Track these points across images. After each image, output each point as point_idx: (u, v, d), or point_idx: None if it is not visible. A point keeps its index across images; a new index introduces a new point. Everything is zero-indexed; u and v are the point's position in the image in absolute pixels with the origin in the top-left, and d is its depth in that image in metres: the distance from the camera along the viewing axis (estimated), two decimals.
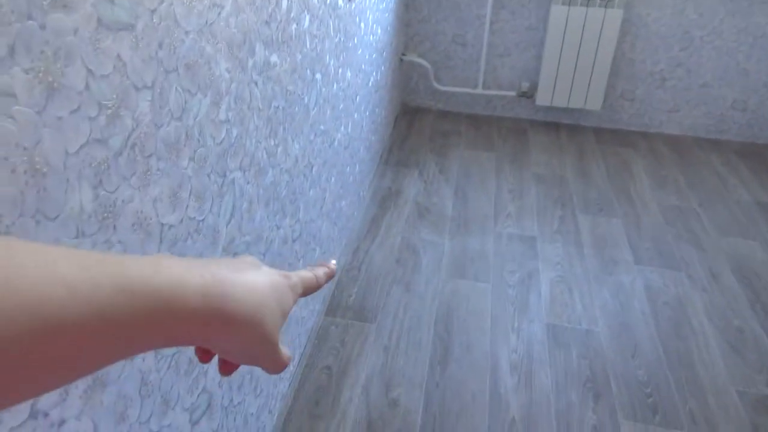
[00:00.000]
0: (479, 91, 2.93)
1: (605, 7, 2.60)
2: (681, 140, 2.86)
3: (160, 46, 0.73)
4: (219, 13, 0.89)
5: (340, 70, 1.67)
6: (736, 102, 2.82)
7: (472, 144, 2.72)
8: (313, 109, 1.44)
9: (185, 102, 0.80)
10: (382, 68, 2.35)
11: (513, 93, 2.91)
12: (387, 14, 2.32)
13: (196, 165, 0.85)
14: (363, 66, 1.98)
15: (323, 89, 1.51)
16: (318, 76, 1.45)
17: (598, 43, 2.67)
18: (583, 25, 2.64)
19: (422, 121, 2.90)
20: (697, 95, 2.83)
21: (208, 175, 0.90)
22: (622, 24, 2.69)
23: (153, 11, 0.71)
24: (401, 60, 2.84)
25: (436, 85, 2.95)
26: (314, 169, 1.49)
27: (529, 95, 2.89)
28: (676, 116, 2.89)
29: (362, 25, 1.91)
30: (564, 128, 2.92)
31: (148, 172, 0.72)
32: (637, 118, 2.92)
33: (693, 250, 2.10)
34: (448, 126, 2.88)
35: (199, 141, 0.86)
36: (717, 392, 1.56)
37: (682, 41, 2.71)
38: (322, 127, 1.52)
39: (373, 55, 2.14)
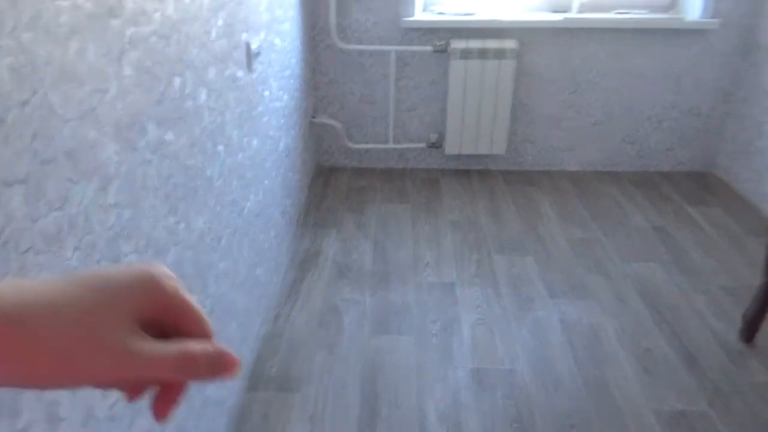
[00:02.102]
0: (391, 145, 3.04)
1: (499, 59, 2.79)
2: (581, 175, 3.06)
3: (35, 137, 0.73)
4: (103, 98, 0.90)
5: (245, 139, 1.70)
6: (626, 136, 3.06)
7: (388, 197, 2.80)
8: (218, 180, 1.44)
9: (67, 191, 0.80)
10: (292, 132, 2.40)
11: (423, 145, 3.03)
12: (293, 80, 2.39)
13: (82, 254, 0.84)
14: (270, 132, 2.01)
15: (227, 160, 1.53)
16: (220, 147, 1.47)
17: (497, 92, 2.85)
18: (481, 77, 2.82)
19: (338, 180, 2.96)
20: (590, 133, 3.05)
21: (98, 262, 0.88)
22: (516, 73, 2.89)
23: (24, 103, 0.71)
24: (312, 122, 2.91)
25: (348, 143, 3.03)
26: (223, 241, 1.48)
27: (438, 146, 3.02)
28: (574, 154, 3.10)
29: (266, 93, 1.95)
30: (474, 174, 3.05)
31: (24, 269, 0.71)
32: (540, 158, 3.10)
33: (601, 278, 2.22)
34: (363, 182, 2.95)
35: (84, 228, 0.84)
36: (634, 414, 1.63)
37: (571, 85, 2.93)
38: (229, 197, 1.53)
39: (282, 120, 2.18)
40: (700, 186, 2.97)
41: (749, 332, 1.89)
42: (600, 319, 2.00)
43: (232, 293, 1.56)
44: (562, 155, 3.10)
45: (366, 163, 3.12)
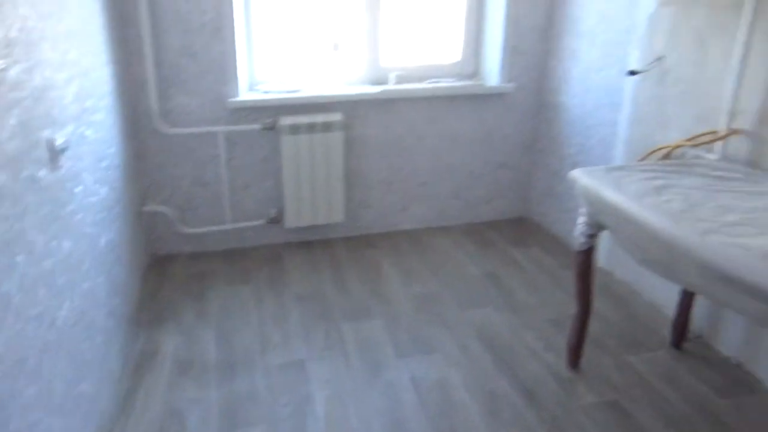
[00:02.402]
0: (228, 226, 2.98)
1: (327, 132, 2.90)
2: (416, 233, 3.24)
3: None
4: None
5: (53, 243, 1.57)
6: (451, 192, 3.31)
7: (229, 280, 2.72)
8: (17, 295, 1.31)
9: None
10: (117, 225, 2.26)
11: (262, 221, 3.02)
12: (112, 171, 2.28)
13: None
14: (87, 230, 1.88)
15: (30, 270, 1.39)
16: (20, 258, 1.34)
17: (329, 163, 2.95)
18: (312, 150, 2.90)
19: (174, 268, 2.82)
20: (420, 192, 3.26)
21: None
22: (346, 143, 3.02)
23: None
24: (142, 211, 2.77)
25: (183, 229, 2.92)
26: (30, 362, 1.33)
27: (278, 220, 3.03)
28: (408, 213, 3.28)
29: (78, 188, 1.83)
30: (316, 244, 3.09)
31: None
32: (377, 221, 3.24)
33: (443, 330, 2.33)
34: (202, 267, 2.84)
35: None
36: None
37: (397, 150, 3.13)
38: (33, 311, 1.39)
39: (101, 215, 2.05)
40: (519, 230, 3.29)
41: (573, 359, 2.09)
42: (446, 370, 2.08)
43: (47, 420, 1.39)
44: (397, 216, 3.27)
45: (204, 247, 3.02)
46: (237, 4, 2.72)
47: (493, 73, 3.18)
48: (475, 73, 3.31)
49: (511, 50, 3.10)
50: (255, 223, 3.02)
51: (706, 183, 1.72)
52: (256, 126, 2.88)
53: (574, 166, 2.98)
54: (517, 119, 3.28)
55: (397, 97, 3.02)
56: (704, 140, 2.05)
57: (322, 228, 3.16)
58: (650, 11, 2.36)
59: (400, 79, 3.13)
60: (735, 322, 2.09)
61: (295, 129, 2.86)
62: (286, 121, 2.84)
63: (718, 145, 2.03)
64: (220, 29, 2.70)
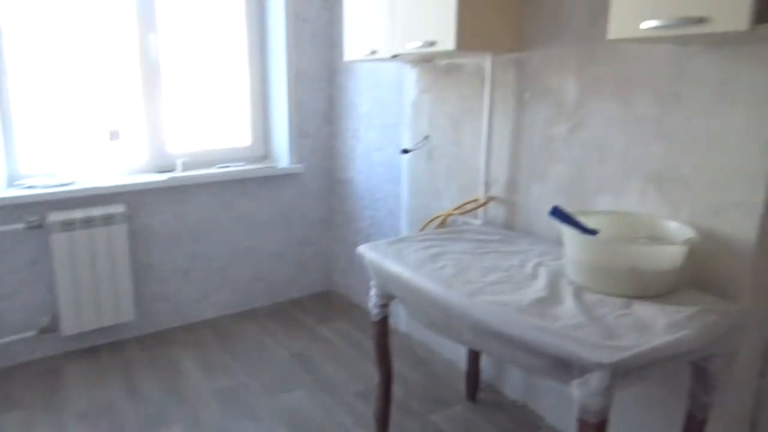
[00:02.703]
0: None
1: (107, 225, 2.67)
2: (220, 322, 3.09)
3: None
4: None
5: None
6: (253, 275, 3.25)
7: None
8: None
9: None
10: None
11: (33, 332, 2.63)
12: None
13: None
14: None
15: None
16: None
17: (112, 258, 2.71)
18: (91, 247, 2.64)
19: None
20: (220, 278, 3.14)
21: None
22: (130, 235, 2.81)
23: None
24: None
25: None
26: None
27: (53, 329, 2.66)
28: (209, 302, 3.13)
29: None
30: (104, 349, 2.78)
31: None
32: (175, 314, 3.03)
33: (251, 422, 2.21)
34: None
35: None
36: None
37: (191, 237, 3.00)
38: None
39: None
40: (325, 305, 3.33)
41: (382, 428, 2.12)
42: None
43: None
44: (197, 306, 3.10)
45: None
46: None
47: (282, 155, 3.27)
48: (265, 156, 3.37)
49: (298, 133, 3.24)
50: (23, 335, 2.62)
51: (473, 247, 1.93)
52: (19, 225, 2.55)
53: (368, 237, 3.15)
54: (311, 197, 3.39)
55: (186, 183, 2.93)
56: (468, 208, 2.33)
57: (109, 330, 2.85)
58: (413, 98, 2.67)
59: (188, 166, 3.05)
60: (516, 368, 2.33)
61: (68, 225, 2.59)
62: (57, 217, 2.57)
63: (480, 211, 2.31)
64: None
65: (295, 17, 3.10)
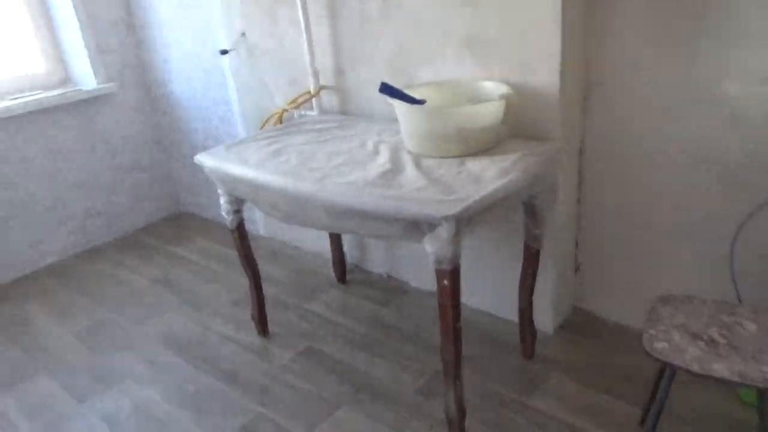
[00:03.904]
0: None
1: None
2: (64, 266, 2.88)
3: None
4: None
5: None
6: (86, 211, 3.01)
7: None
8: None
9: None
10: None
11: None
12: None
13: None
14: None
15: None
16: None
17: None
18: None
19: None
20: (49, 222, 2.87)
21: None
22: None
23: None
24: None
25: None
26: None
27: None
28: (43, 248, 2.88)
29: None
30: None
31: None
32: (6, 267, 2.75)
33: (125, 354, 2.16)
34: None
35: None
36: None
37: (2, 180, 2.66)
38: None
39: None
40: (177, 227, 3.22)
41: (262, 328, 2.19)
42: (141, 393, 1.95)
43: None
44: (31, 253, 2.83)
45: None
46: None
47: (86, 76, 2.93)
48: (66, 80, 2.99)
49: (97, 48, 2.89)
50: None
51: (314, 137, 1.95)
52: None
53: (206, 149, 3.02)
54: (131, 118, 3.12)
55: None
56: (301, 101, 2.32)
57: None
58: None
59: None
60: (377, 245, 2.49)
61: None
62: None
63: (314, 102, 2.31)
64: None
65: None
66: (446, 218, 1.30)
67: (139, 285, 2.65)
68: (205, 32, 2.67)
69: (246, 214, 2.06)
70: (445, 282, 1.39)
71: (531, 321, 1.89)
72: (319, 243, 2.70)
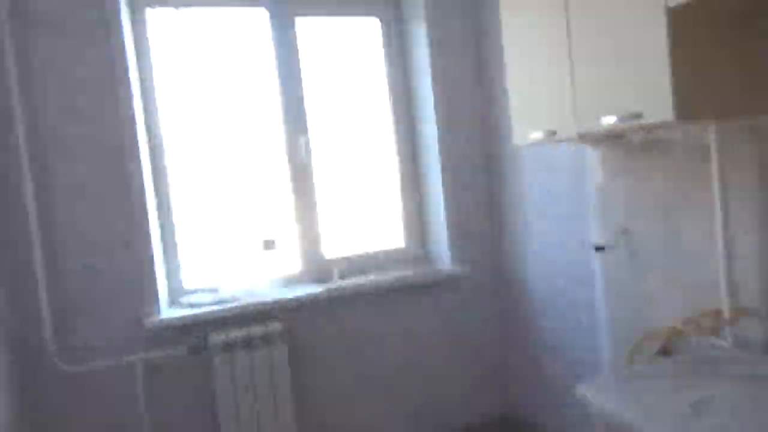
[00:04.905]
0: None
1: (267, 345, 2.46)
2: None
3: None
4: None
5: None
6: (420, 399, 2.86)
7: None
8: None
9: None
10: None
11: None
12: None
13: None
14: None
15: None
16: None
17: (273, 385, 2.47)
18: (252, 371, 2.43)
19: None
20: (387, 406, 2.79)
21: None
22: (291, 356, 2.57)
23: None
24: None
25: None
26: None
27: None
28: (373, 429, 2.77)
29: None
30: None
31: None
32: None
33: None
34: None
35: None
36: None
37: (353, 356, 2.72)
38: None
39: None
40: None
41: None
42: None
43: None
44: None
45: None
46: (151, 211, 2.42)
47: (441, 255, 2.93)
48: (421, 258, 3.05)
49: (457, 230, 2.88)
50: None
51: (748, 387, 1.39)
52: (181, 350, 2.41)
53: (553, 351, 2.64)
54: (478, 304, 2.97)
55: (344, 294, 2.67)
56: (707, 324, 1.77)
57: None
58: (599, 182, 2.22)
59: (344, 274, 2.82)
60: None
61: (229, 346, 2.41)
62: (218, 338, 2.40)
63: (728, 329, 1.74)
64: (131, 242, 2.35)
65: (447, 102, 2.86)
66: None
67: None
68: (572, 223, 2.42)
69: None
70: None
71: None
72: None
